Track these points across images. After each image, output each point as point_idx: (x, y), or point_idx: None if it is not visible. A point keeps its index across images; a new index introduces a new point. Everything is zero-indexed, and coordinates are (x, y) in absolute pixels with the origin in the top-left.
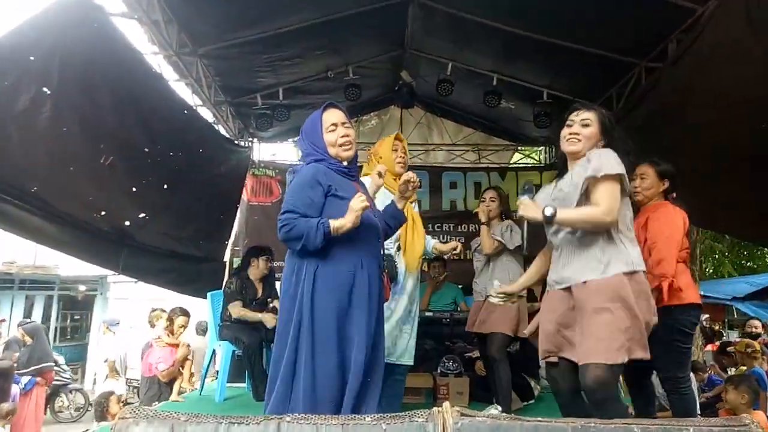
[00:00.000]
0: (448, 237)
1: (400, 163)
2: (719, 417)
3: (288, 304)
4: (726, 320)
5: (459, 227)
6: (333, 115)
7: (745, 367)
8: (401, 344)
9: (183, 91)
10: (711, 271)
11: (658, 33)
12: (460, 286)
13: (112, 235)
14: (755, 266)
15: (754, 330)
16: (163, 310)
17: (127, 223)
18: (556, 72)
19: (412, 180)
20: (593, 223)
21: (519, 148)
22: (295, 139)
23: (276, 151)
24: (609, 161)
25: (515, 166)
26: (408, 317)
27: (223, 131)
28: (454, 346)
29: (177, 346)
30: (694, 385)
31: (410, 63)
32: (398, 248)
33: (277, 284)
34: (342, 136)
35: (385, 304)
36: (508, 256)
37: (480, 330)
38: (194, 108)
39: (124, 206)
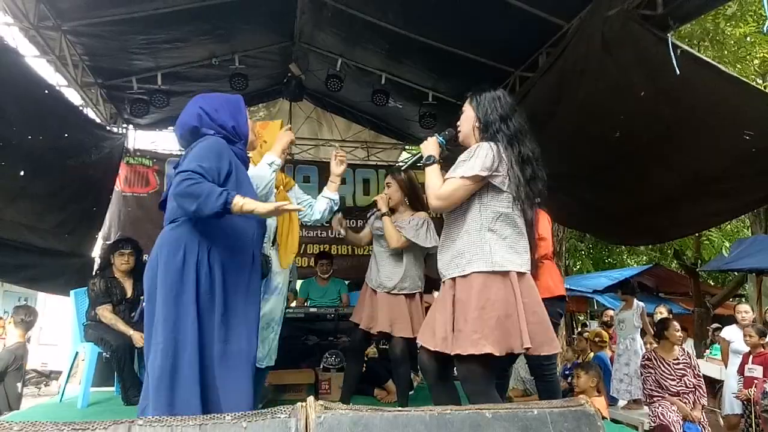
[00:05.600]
0: (336, 232)
1: (284, 154)
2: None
3: (167, 291)
4: (588, 311)
5: (348, 223)
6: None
7: (592, 353)
8: (269, 346)
9: (44, 68)
10: (577, 267)
11: (530, 45)
12: (347, 282)
13: None
14: (614, 262)
15: (608, 319)
16: None
17: None
18: (441, 75)
19: None
20: (428, 194)
21: (406, 147)
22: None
23: (155, 140)
24: (471, 162)
25: (403, 164)
26: (281, 318)
27: (92, 115)
28: (338, 341)
29: None
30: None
31: (300, 56)
32: (273, 242)
33: None
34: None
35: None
36: (406, 253)
37: (372, 328)
38: (57, 88)
39: None
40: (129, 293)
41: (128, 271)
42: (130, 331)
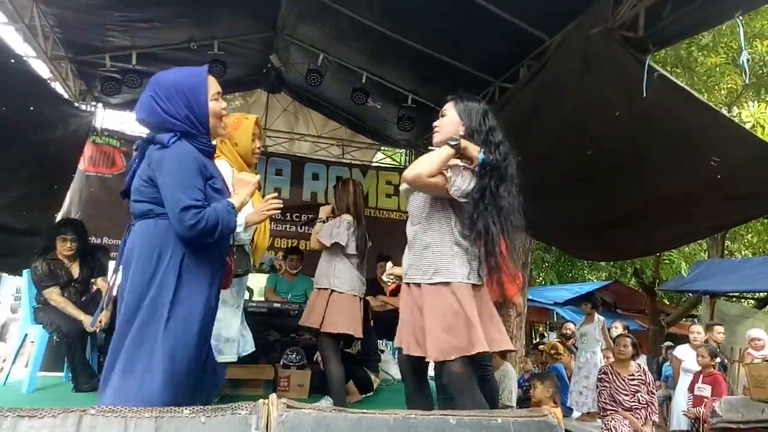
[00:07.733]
0: (306, 228)
1: (257, 154)
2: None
3: (140, 290)
4: (548, 323)
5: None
6: (215, 84)
7: (548, 365)
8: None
9: (11, 37)
10: (540, 279)
11: (512, 56)
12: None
13: None
14: (576, 276)
15: (567, 332)
16: None
17: None
18: (422, 79)
19: None
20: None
21: (382, 148)
22: None
23: (125, 120)
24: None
25: (377, 165)
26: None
27: (60, 90)
28: (300, 338)
29: None
30: (515, 377)
31: (281, 48)
32: (251, 242)
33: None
34: (224, 109)
35: (233, 301)
36: (329, 254)
37: (313, 325)
38: (25, 58)
39: None
40: (76, 275)
41: (71, 254)
42: (81, 315)
